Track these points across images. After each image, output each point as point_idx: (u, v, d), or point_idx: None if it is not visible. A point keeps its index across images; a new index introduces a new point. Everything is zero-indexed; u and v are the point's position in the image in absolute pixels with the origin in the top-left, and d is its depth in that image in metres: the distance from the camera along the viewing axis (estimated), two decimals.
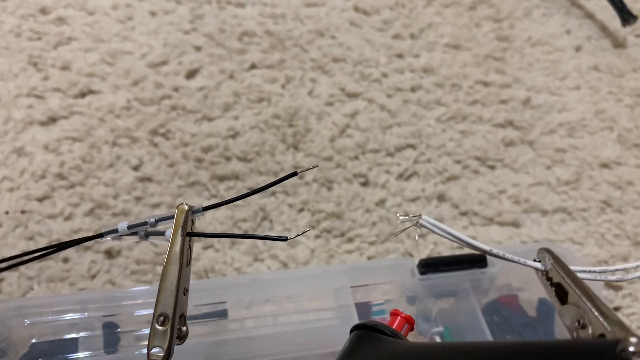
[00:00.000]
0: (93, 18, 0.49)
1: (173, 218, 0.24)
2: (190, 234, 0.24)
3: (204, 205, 0.25)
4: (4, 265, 0.26)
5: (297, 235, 0.24)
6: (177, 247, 0.23)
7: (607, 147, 0.49)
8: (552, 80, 0.52)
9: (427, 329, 0.34)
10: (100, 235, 0.25)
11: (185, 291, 0.23)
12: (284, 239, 0.23)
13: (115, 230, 0.25)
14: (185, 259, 0.23)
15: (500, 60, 0.53)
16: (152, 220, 0.25)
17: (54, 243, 0.26)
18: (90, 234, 0.29)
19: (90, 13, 0.49)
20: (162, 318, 0.21)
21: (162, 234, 0.25)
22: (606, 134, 0.50)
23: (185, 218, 0.23)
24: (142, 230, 0.25)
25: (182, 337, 0.23)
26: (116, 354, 0.30)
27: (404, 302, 0.35)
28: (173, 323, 0.21)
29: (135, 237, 0.25)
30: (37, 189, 0.40)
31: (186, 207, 0.24)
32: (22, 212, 0.39)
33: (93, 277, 0.38)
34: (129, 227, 0.25)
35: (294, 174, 0.24)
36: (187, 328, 0.23)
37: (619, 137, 0.50)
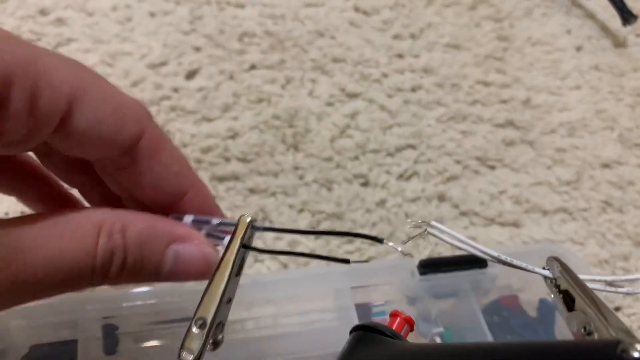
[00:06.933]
0: (92, 19, 0.49)
1: (234, 225, 0.24)
2: (245, 247, 0.24)
3: (264, 225, 0.24)
4: None
5: (357, 262, 0.23)
6: (232, 256, 0.23)
7: (607, 146, 0.49)
8: (553, 80, 0.52)
9: (428, 330, 0.34)
10: None
11: (229, 300, 0.23)
12: (346, 262, 0.23)
13: (180, 218, 0.25)
14: (236, 269, 0.23)
15: (500, 60, 0.53)
16: (215, 222, 0.25)
17: None
18: None
19: (90, 14, 0.49)
20: (200, 322, 0.21)
21: (220, 238, 0.25)
22: (607, 134, 0.50)
23: (245, 230, 0.23)
24: (205, 229, 0.25)
25: (217, 344, 0.23)
26: (116, 355, 0.30)
27: (404, 303, 0.35)
28: (210, 329, 0.21)
29: None
30: None
31: (248, 220, 0.24)
32: (22, 212, 0.39)
33: None
34: (194, 222, 0.25)
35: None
36: (223, 336, 0.23)
37: (620, 136, 0.50)
